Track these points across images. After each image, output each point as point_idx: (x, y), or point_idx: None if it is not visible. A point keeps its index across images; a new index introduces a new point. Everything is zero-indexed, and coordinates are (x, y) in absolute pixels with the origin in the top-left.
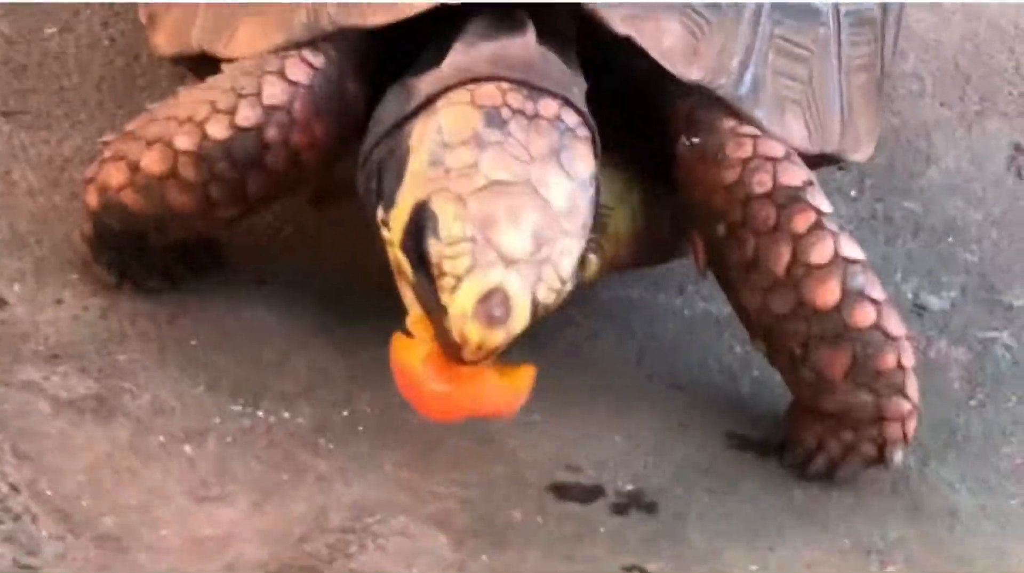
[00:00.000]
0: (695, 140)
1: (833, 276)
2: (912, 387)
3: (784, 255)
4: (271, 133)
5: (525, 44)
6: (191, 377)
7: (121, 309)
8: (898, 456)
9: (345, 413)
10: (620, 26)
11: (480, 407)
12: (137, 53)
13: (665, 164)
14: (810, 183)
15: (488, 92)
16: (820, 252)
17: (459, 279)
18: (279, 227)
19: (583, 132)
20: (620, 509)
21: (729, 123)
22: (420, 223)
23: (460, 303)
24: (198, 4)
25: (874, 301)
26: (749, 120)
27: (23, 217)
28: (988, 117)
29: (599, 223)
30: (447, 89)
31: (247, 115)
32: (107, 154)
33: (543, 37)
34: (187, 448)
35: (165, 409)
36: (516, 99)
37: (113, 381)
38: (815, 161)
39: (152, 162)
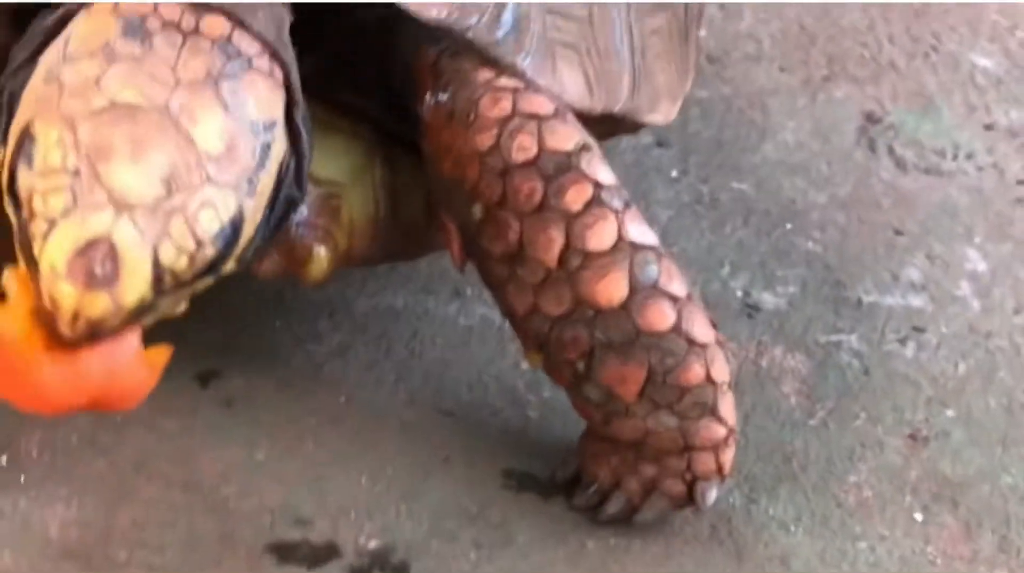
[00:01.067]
0: (442, 97)
1: (617, 266)
2: (727, 406)
3: (555, 240)
4: None
5: None
6: None
7: None
8: (712, 494)
9: (2, 459)
10: None
11: (98, 389)
12: None
13: (414, 129)
14: (585, 147)
15: (134, 3)
16: (599, 235)
17: (52, 223)
18: None
19: (264, 64)
20: None
21: (484, 75)
22: (18, 154)
23: (51, 254)
24: None
25: (673, 297)
26: (510, 70)
27: None
28: (836, 83)
29: (329, 206)
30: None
31: None
32: None
33: None
34: None
35: None
36: (171, 11)
37: None
38: (607, 128)
39: None
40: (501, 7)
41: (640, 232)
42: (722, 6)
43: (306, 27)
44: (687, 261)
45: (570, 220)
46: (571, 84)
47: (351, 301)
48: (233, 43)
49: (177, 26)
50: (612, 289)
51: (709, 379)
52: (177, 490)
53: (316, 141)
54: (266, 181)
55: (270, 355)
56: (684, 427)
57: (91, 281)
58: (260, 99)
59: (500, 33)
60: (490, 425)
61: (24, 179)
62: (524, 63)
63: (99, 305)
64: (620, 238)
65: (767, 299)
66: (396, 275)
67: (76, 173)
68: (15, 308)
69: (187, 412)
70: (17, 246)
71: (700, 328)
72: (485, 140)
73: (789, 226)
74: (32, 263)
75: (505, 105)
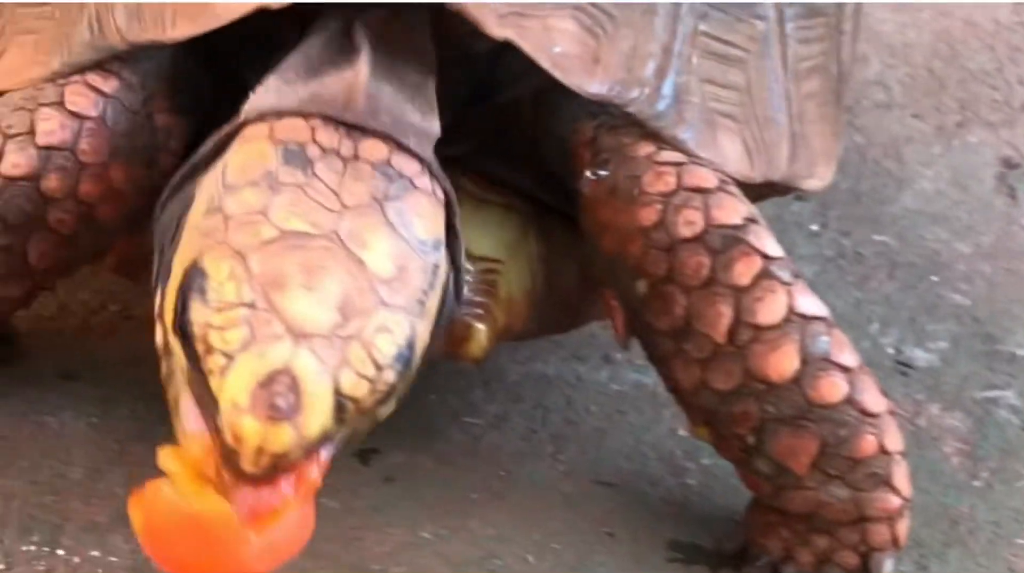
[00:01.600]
0: (601, 173)
1: (788, 339)
2: (901, 476)
3: (724, 315)
4: (52, 182)
5: (353, 77)
6: None
7: None
8: (888, 565)
9: None
10: (497, 27)
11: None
12: None
13: (570, 202)
14: (752, 220)
15: (291, 125)
16: (770, 309)
17: (231, 358)
18: (97, 306)
19: (425, 183)
20: None
21: (645, 149)
22: (188, 291)
23: (232, 388)
24: None
25: (844, 368)
26: (671, 143)
27: None
28: (969, 129)
29: (486, 283)
30: (245, 124)
31: (16, 161)
32: None
33: (394, 59)
34: None
35: None
36: (329, 137)
37: None
38: (759, 191)
39: None
40: (661, 79)
41: (809, 304)
42: None
43: (461, 108)
44: (835, 318)
45: (739, 294)
46: (732, 154)
47: (504, 370)
48: (393, 165)
49: (337, 152)
50: (783, 363)
51: (882, 449)
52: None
53: (470, 217)
54: (434, 299)
55: (428, 429)
56: (858, 498)
57: (274, 414)
58: (425, 219)
59: (661, 106)
60: (650, 495)
61: (198, 314)
62: (685, 135)
63: (283, 438)
64: (790, 311)
65: (919, 356)
66: (546, 342)
67: (252, 305)
68: (199, 484)
69: (349, 491)
70: (184, 381)
71: (872, 398)
72: (650, 216)
73: (935, 279)
74: (207, 399)
75: (669, 180)
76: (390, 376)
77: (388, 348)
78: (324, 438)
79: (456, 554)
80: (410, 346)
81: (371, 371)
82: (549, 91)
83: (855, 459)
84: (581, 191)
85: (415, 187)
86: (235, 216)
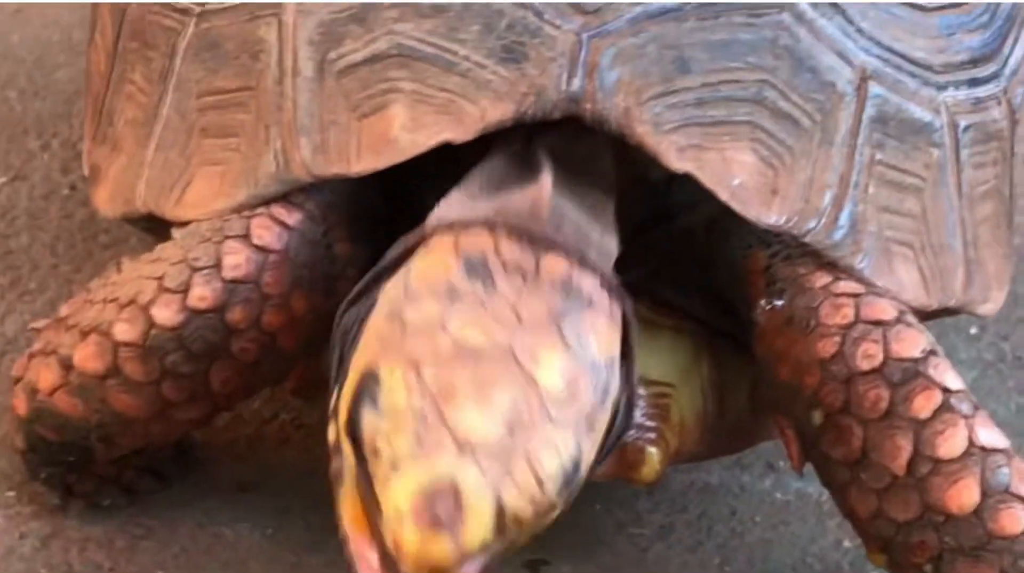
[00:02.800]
0: (777, 303)
1: (968, 472)
2: None
3: (903, 448)
4: (236, 314)
5: (537, 191)
6: None
7: (67, 536)
8: None
9: None
10: (676, 161)
11: None
12: None
13: (741, 327)
14: (932, 352)
15: (476, 238)
16: (950, 443)
17: (397, 465)
18: (269, 416)
19: (604, 302)
20: None
21: (821, 279)
22: (361, 396)
23: (395, 496)
24: (147, 151)
25: None
26: (848, 272)
27: None
28: None
29: (659, 407)
30: (432, 234)
31: (203, 294)
32: (36, 346)
33: (574, 181)
34: None
35: None
36: (511, 250)
37: None
38: (932, 314)
39: (87, 357)
40: (838, 209)
41: (990, 436)
42: None
43: (635, 233)
44: (996, 425)
45: (918, 428)
46: (908, 282)
47: (668, 479)
48: (573, 282)
49: (518, 266)
50: (964, 496)
51: None
52: None
53: (643, 341)
54: (603, 418)
55: (595, 540)
56: None
57: (435, 525)
58: (600, 338)
59: (837, 235)
60: None
61: (369, 420)
62: (862, 264)
63: (442, 550)
64: (971, 444)
65: None
66: None
67: (421, 415)
68: None
69: None
70: (351, 482)
71: None
72: (827, 348)
73: None
74: (372, 502)
75: (847, 312)
76: (552, 492)
77: (552, 465)
78: (482, 550)
79: None
80: (575, 464)
81: (534, 487)
82: (723, 218)
83: None
84: (756, 320)
85: (593, 305)
86: (413, 325)
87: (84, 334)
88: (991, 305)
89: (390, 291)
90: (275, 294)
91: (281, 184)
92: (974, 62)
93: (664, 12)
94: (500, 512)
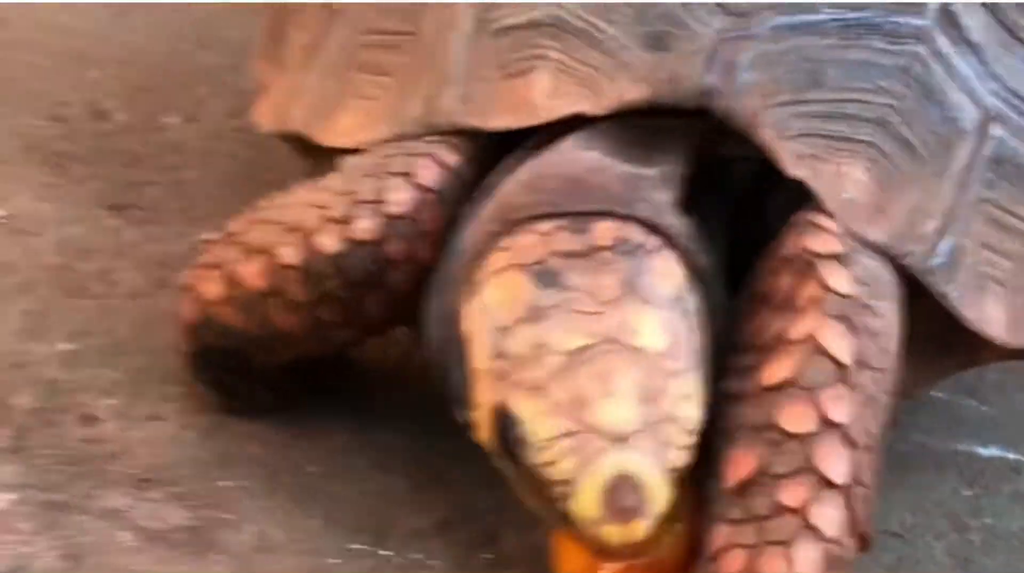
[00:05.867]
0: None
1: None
2: None
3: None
4: (394, 247)
5: (573, 158)
6: (304, 509)
7: (229, 430)
8: None
9: (489, 555)
10: (793, 166)
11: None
12: (267, 146)
13: None
14: None
15: (527, 245)
16: None
17: (570, 483)
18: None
19: (654, 242)
20: None
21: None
22: (505, 432)
23: (583, 508)
24: (308, 76)
25: None
26: (938, 297)
27: (123, 322)
28: None
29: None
30: (484, 253)
31: (365, 226)
32: (205, 259)
33: (635, 151)
34: None
35: (271, 545)
36: (563, 240)
37: (211, 511)
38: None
39: (252, 275)
40: (940, 237)
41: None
42: None
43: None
44: None
45: None
46: (994, 318)
47: None
48: (626, 239)
49: (576, 253)
50: None
51: None
52: None
53: None
54: (702, 338)
55: None
56: None
57: (626, 515)
58: (666, 277)
59: (934, 262)
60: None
61: (527, 456)
62: (953, 294)
63: (641, 529)
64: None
65: None
66: None
67: (569, 433)
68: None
69: None
70: (532, 497)
71: None
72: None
73: None
74: (562, 520)
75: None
76: (696, 434)
77: (692, 413)
78: (672, 505)
79: None
80: (700, 396)
81: (686, 438)
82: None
83: None
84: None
85: (648, 251)
86: (519, 355)
87: (250, 252)
88: None
89: (479, 328)
90: (432, 231)
91: (422, 128)
92: None
93: (807, 25)
94: (672, 474)
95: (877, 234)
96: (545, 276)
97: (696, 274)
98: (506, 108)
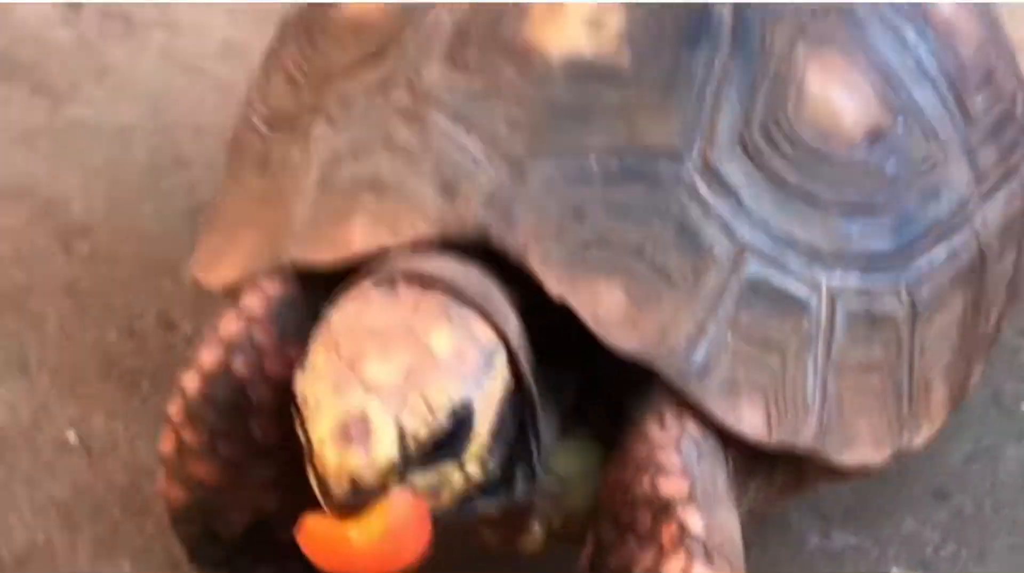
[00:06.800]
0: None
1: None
2: None
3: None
4: (239, 367)
5: (446, 262)
6: None
7: None
8: None
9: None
10: (556, 286)
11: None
12: None
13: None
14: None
15: (384, 275)
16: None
17: (319, 407)
18: None
19: (488, 333)
20: None
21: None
22: (297, 372)
23: (319, 429)
24: (212, 237)
25: None
26: (695, 402)
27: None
28: None
29: (550, 496)
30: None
31: (208, 357)
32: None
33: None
34: None
35: None
36: (412, 281)
37: None
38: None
39: (163, 442)
40: (692, 349)
41: None
42: None
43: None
44: None
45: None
46: (748, 419)
47: None
48: (477, 336)
49: (419, 285)
50: None
51: None
52: None
53: (557, 439)
54: (491, 386)
55: None
56: None
57: (348, 441)
58: (481, 329)
59: (686, 368)
60: None
61: (300, 382)
62: (704, 397)
63: (356, 459)
64: None
65: None
66: None
67: (338, 371)
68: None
69: None
70: (308, 464)
71: None
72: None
73: None
74: (309, 450)
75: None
76: (443, 421)
77: (441, 399)
78: (393, 467)
79: None
80: (465, 407)
81: (426, 413)
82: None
83: None
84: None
85: (478, 320)
86: (336, 322)
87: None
88: (849, 456)
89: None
90: (267, 347)
91: (269, 265)
92: (870, 257)
93: (576, 171)
94: (401, 432)
95: (630, 344)
96: (383, 282)
97: (515, 373)
98: (328, 247)
